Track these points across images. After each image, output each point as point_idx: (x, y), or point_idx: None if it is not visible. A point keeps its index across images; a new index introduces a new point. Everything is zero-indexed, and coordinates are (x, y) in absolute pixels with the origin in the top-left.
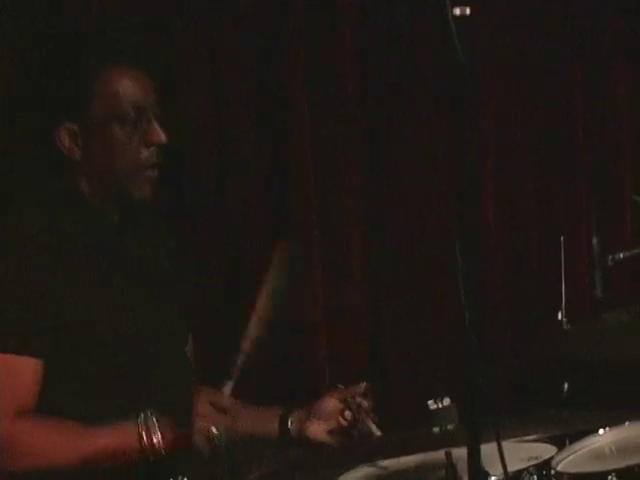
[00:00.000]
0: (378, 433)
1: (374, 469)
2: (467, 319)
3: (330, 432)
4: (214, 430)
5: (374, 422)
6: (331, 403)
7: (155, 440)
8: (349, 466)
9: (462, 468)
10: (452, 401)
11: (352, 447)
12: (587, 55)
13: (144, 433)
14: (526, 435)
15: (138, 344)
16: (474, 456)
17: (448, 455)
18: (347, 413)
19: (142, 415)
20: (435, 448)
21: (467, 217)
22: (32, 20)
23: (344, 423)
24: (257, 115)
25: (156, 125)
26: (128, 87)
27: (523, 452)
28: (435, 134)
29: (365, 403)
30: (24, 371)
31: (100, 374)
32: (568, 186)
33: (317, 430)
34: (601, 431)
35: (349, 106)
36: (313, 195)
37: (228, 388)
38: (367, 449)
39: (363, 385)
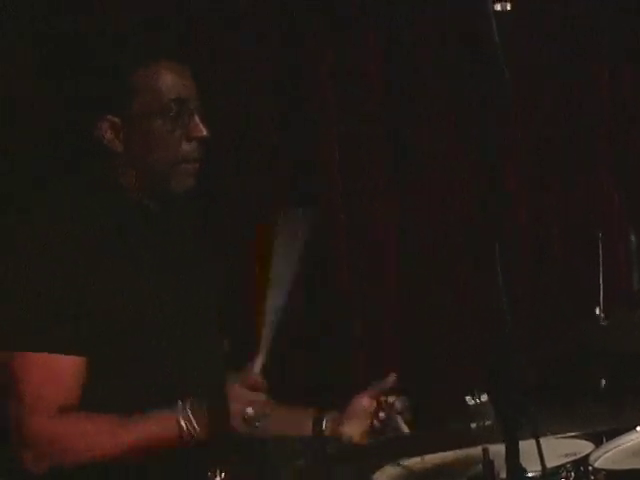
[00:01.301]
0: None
1: (411, 465)
2: (507, 319)
3: (365, 433)
4: (249, 411)
5: (406, 421)
6: (364, 403)
7: (194, 427)
8: (385, 462)
9: (499, 464)
10: (489, 397)
11: (389, 443)
12: (613, 53)
13: (183, 421)
14: (563, 431)
15: (174, 335)
16: (512, 452)
17: (485, 451)
18: (381, 414)
19: (180, 403)
20: (472, 444)
21: (501, 217)
22: (74, 15)
23: (377, 424)
24: (282, 115)
25: (197, 119)
26: (170, 81)
27: (560, 448)
28: (460, 133)
29: (398, 403)
30: (67, 369)
31: (137, 365)
32: (595, 182)
33: (352, 431)
34: (639, 428)
35: (374, 105)
36: (339, 194)
37: (257, 365)
38: (404, 445)
39: (392, 378)
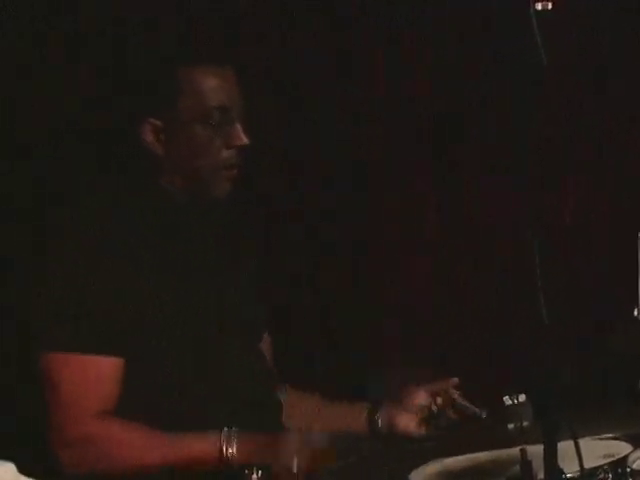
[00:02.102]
0: (483, 415)
1: (447, 464)
2: (544, 319)
3: (421, 423)
4: (294, 467)
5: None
6: (421, 397)
7: (233, 455)
8: (422, 461)
9: (537, 465)
10: (528, 397)
11: (425, 442)
12: None
13: (225, 447)
14: (601, 432)
15: (214, 337)
16: (550, 453)
17: (523, 452)
18: (438, 399)
19: (226, 429)
20: (510, 445)
21: (544, 216)
22: (122, 17)
23: (435, 409)
24: (334, 120)
25: (239, 127)
26: (213, 87)
27: (598, 449)
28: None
29: (456, 393)
30: (106, 371)
31: (176, 369)
32: (636, 181)
33: (408, 423)
34: None
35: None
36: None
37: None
38: (441, 444)
39: (454, 380)
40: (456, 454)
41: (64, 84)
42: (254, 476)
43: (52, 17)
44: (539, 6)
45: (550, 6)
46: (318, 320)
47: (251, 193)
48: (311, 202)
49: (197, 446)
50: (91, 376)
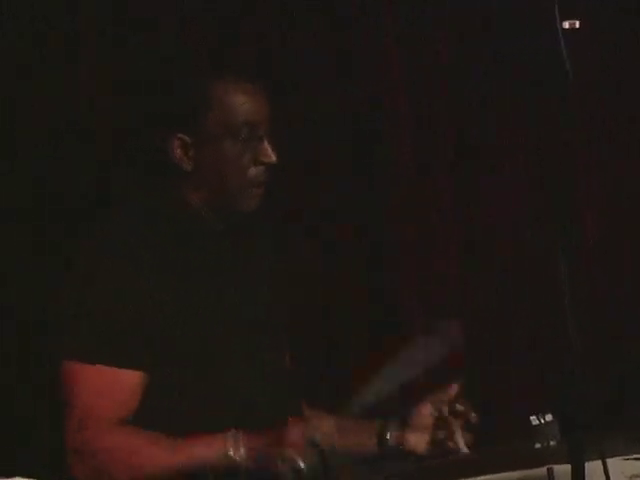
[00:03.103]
0: (464, 450)
1: None
2: (573, 336)
3: (429, 443)
4: (301, 464)
5: (466, 435)
6: (426, 412)
7: (240, 458)
8: None
9: None
10: (555, 417)
11: (451, 461)
12: None
13: (232, 450)
14: (629, 453)
15: (236, 352)
16: (578, 473)
17: (550, 472)
18: (442, 425)
19: (232, 432)
20: (537, 464)
21: (567, 222)
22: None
23: (441, 436)
24: (352, 121)
25: (267, 144)
26: (243, 103)
27: (626, 469)
28: (531, 136)
29: (460, 407)
30: (127, 383)
31: (194, 383)
32: None
33: (417, 442)
34: None
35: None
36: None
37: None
38: (467, 464)
39: (455, 387)
40: (483, 473)
41: (95, 99)
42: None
43: (75, 26)
44: (566, 24)
45: (577, 24)
46: (334, 321)
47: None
48: (324, 203)
49: (205, 449)
50: (110, 387)
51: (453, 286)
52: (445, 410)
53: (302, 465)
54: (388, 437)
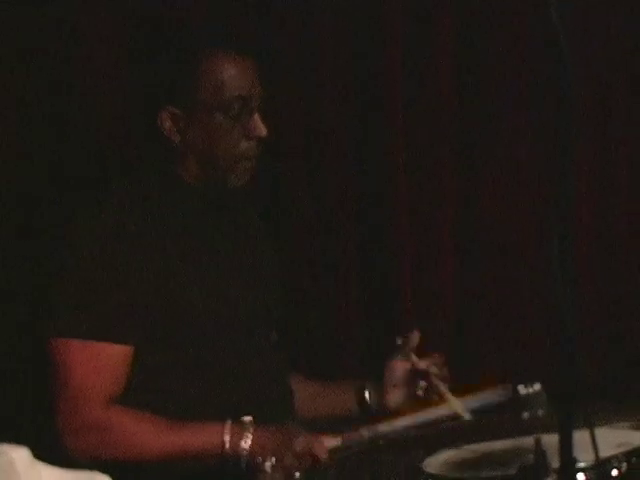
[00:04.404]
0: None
1: (460, 453)
2: (562, 313)
3: (409, 399)
4: (297, 475)
5: (445, 379)
6: (398, 367)
7: (238, 447)
8: (435, 449)
9: (552, 454)
10: (542, 386)
11: (438, 430)
12: None
13: (228, 438)
14: (616, 421)
15: (229, 327)
16: (565, 442)
17: (537, 441)
18: (422, 383)
19: (230, 420)
20: (524, 433)
21: (562, 212)
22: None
23: (420, 394)
24: (350, 115)
25: (258, 118)
26: (234, 77)
27: (612, 438)
28: (532, 131)
29: (434, 368)
30: (115, 358)
31: (187, 362)
32: None
33: (397, 398)
34: None
35: (443, 105)
36: (407, 198)
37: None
38: (454, 433)
39: (415, 335)
40: (470, 442)
41: (82, 70)
42: (268, 463)
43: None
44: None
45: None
46: (334, 316)
47: (269, 186)
48: (328, 197)
49: (201, 435)
50: (101, 363)
51: (450, 283)
52: (415, 360)
53: (297, 476)
54: (367, 396)
